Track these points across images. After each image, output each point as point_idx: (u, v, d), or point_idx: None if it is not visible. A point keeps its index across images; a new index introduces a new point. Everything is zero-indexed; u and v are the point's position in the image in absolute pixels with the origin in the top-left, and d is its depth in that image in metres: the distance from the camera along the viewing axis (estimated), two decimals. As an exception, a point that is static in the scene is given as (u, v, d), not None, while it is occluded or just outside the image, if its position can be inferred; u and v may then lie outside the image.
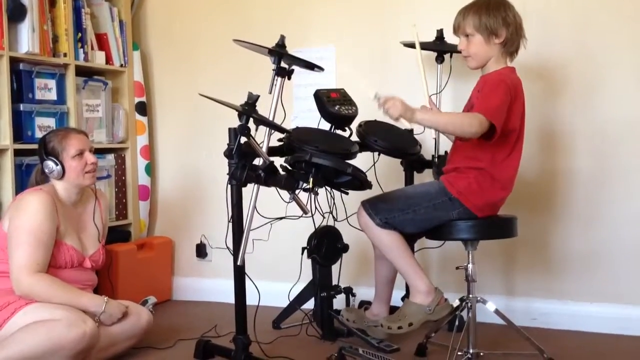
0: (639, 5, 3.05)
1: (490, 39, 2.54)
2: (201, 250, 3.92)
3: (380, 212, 2.60)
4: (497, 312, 2.65)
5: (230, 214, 2.57)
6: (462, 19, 2.57)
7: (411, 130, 2.93)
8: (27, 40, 3.19)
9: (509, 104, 2.48)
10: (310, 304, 3.12)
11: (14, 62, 3.18)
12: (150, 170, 3.97)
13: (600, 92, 3.12)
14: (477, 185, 2.53)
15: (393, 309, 2.84)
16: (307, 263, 3.06)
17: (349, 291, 3.08)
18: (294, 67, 2.67)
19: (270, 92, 2.63)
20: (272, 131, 2.61)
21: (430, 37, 3.10)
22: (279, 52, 2.58)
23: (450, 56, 3.15)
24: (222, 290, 3.51)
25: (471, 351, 2.54)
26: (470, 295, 2.58)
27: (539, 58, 3.17)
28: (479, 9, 2.54)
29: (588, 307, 3.13)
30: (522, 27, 2.58)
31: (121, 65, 3.80)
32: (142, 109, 3.92)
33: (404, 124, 2.49)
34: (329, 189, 2.90)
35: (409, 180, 3.22)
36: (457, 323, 2.64)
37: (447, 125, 2.54)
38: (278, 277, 3.42)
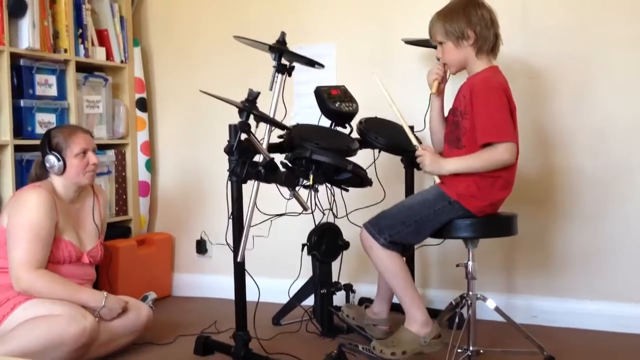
0: (634, 3, 3.04)
1: (459, 43, 2.52)
2: (201, 247, 3.92)
3: (383, 230, 2.55)
4: (497, 309, 2.65)
5: (230, 210, 2.57)
6: (432, 28, 2.59)
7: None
8: (28, 36, 3.19)
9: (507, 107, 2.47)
10: (310, 301, 3.12)
11: (14, 57, 3.18)
12: (151, 166, 3.97)
13: (600, 89, 3.11)
14: (476, 187, 2.51)
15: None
16: (307, 260, 3.06)
17: (348, 288, 3.08)
18: (294, 64, 2.67)
19: (271, 89, 2.63)
20: (273, 128, 2.60)
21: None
22: (279, 48, 2.59)
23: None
24: (222, 287, 3.51)
25: (471, 349, 2.53)
26: (471, 293, 2.57)
27: (539, 56, 3.17)
28: (444, 17, 2.54)
29: (588, 305, 3.13)
30: (494, 22, 2.54)
31: (122, 62, 3.80)
32: (143, 105, 3.92)
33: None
34: (329, 185, 2.90)
35: (409, 177, 3.22)
36: (457, 320, 2.64)
37: (480, 168, 2.48)
38: (278, 274, 3.42)
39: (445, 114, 2.71)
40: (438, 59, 2.63)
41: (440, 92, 2.68)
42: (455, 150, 2.58)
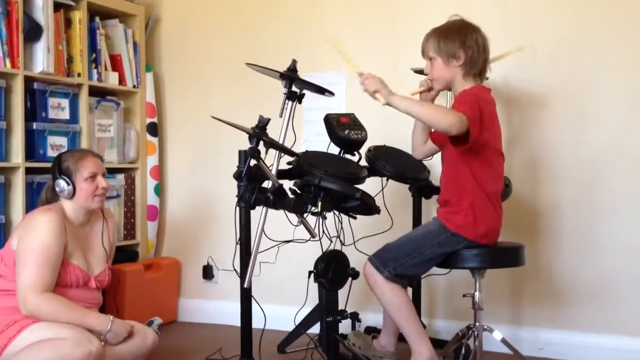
0: (625, 37, 3.09)
1: (449, 61, 2.58)
2: (208, 272, 3.92)
3: (387, 263, 2.58)
4: (503, 341, 2.63)
5: (238, 236, 2.57)
6: (425, 43, 2.65)
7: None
8: (42, 60, 3.23)
9: (480, 114, 2.47)
10: (316, 329, 3.10)
11: (28, 81, 3.22)
12: (160, 190, 3.99)
13: (608, 122, 3.12)
14: (472, 216, 2.53)
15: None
16: (314, 287, 3.04)
17: (355, 316, 3.06)
18: (305, 91, 2.69)
19: (281, 116, 2.64)
20: (282, 154, 2.62)
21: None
22: (290, 76, 2.60)
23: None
24: (228, 313, 3.50)
25: (477, 380, 2.52)
26: (477, 324, 2.56)
27: (548, 88, 3.19)
28: (440, 34, 2.61)
29: (595, 338, 3.11)
30: (486, 49, 2.61)
31: (134, 86, 3.84)
32: (153, 129, 3.95)
33: (379, 100, 2.45)
34: (337, 213, 2.90)
35: (417, 205, 3.23)
36: (463, 351, 2.63)
37: (422, 113, 2.47)
38: (284, 301, 3.41)
39: None
40: (426, 74, 2.70)
41: (426, 99, 2.75)
42: (444, 163, 2.66)
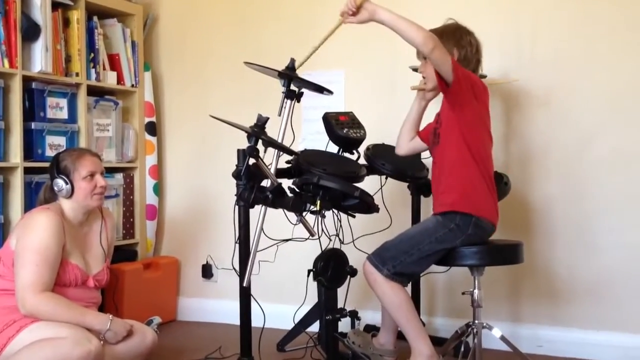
0: (623, 35, 3.09)
1: None
2: (207, 271, 3.92)
3: (386, 261, 2.59)
4: (503, 338, 2.63)
5: (237, 235, 2.57)
6: None
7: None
8: (40, 60, 3.22)
9: (470, 81, 2.53)
10: (315, 327, 3.11)
11: (26, 80, 3.22)
12: (159, 190, 3.99)
13: (608, 122, 3.12)
14: (461, 188, 2.57)
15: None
16: (313, 285, 3.05)
17: (354, 315, 3.06)
18: (303, 90, 2.69)
19: (280, 115, 2.64)
20: (281, 153, 2.62)
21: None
22: (288, 75, 2.60)
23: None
24: (227, 312, 3.50)
25: (476, 377, 2.52)
26: (476, 321, 2.56)
27: (547, 87, 3.19)
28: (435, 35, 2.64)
29: (594, 335, 3.11)
30: (479, 50, 2.67)
31: (132, 86, 3.84)
32: (152, 129, 3.95)
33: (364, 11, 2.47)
34: (335, 211, 2.91)
35: (415, 203, 3.23)
36: (462, 349, 2.63)
37: (403, 26, 2.47)
38: (283, 299, 3.42)
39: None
40: (420, 72, 2.75)
41: (424, 98, 2.81)
42: (436, 147, 2.67)
